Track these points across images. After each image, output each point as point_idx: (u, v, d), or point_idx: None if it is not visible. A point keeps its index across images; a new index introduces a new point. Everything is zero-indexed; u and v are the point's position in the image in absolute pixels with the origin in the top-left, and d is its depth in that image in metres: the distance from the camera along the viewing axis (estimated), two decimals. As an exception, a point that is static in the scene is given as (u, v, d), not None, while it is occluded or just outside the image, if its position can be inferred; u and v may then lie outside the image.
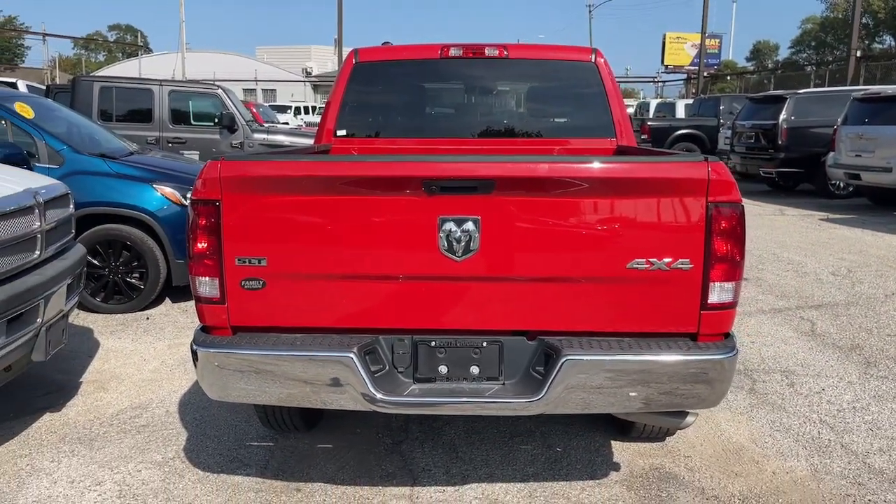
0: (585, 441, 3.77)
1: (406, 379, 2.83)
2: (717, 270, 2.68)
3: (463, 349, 2.81)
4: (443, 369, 2.83)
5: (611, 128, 4.46)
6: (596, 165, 2.64)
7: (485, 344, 2.80)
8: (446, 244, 2.66)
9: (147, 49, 73.40)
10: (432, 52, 4.53)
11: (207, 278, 2.77)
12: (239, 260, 2.73)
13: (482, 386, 2.81)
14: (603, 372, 2.66)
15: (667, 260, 2.67)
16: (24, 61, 70.05)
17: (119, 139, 7.28)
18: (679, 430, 3.73)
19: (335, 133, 4.60)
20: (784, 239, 9.87)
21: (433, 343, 2.81)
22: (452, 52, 4.48)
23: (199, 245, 2.74)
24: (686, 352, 2.68)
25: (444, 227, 2.65)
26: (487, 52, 4.45)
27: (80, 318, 5.93)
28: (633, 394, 2.70)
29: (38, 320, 3.62)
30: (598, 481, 3.39)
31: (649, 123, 20.47)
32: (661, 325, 2.75)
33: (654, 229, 2.66)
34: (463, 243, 2.66)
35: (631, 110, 28.36)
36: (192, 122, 11.46)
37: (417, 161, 2.69)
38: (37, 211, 3.70)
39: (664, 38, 49.73)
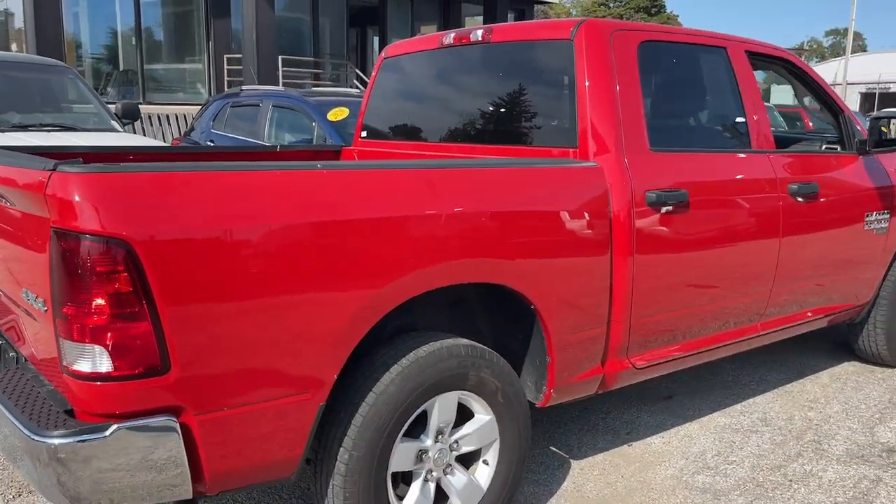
0: None
1: None
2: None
3: None
4: None
5: (572, 132, 3.00)
6: None
7: None
8: None
9: (862, 49, 64.60)
10: (434, 41, 3.78)
11: None
12: None
13: None
14: None
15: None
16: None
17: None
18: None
19: (361, 135, 4.14)
20: None
21: None
22: (445, 39, 3.71)
23: None
24: None
25: None
26: (471, 36, 3.57)
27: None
28: None
29: None
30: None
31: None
32: None
33: None
34: None
35: None
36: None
37: None
38: None
39: None
